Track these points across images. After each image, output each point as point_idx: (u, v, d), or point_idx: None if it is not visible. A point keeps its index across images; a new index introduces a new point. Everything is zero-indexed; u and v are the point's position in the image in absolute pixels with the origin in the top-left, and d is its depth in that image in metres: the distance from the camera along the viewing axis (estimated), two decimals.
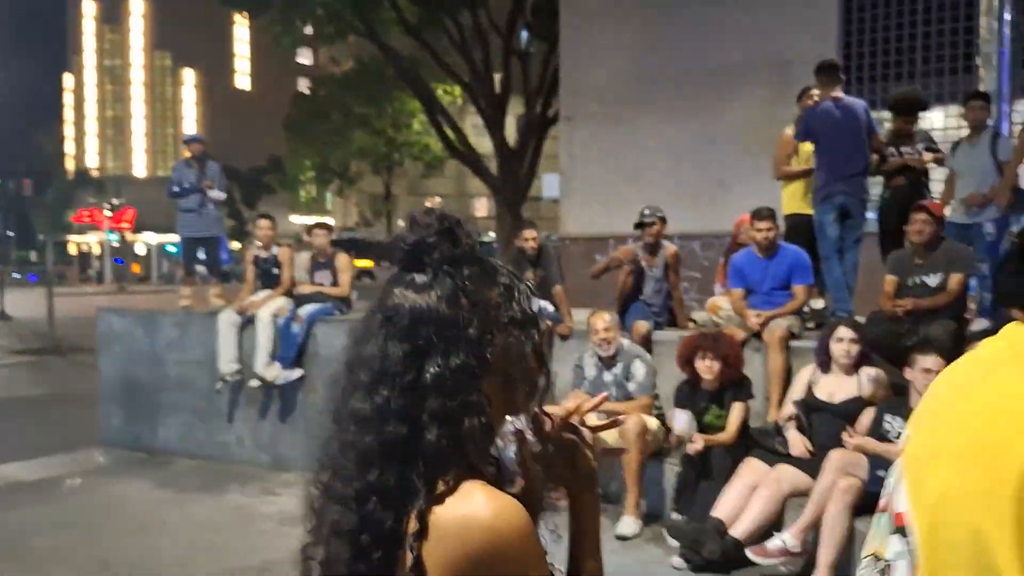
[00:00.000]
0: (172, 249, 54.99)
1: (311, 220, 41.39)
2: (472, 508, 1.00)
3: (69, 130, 77.58)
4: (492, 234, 27.60)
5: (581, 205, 10.65)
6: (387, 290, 1.12)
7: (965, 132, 6.56)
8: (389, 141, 39.19)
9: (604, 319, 5.41)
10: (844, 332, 4.73)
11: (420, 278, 1.10)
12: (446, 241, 1.11)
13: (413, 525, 1.01)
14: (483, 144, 21.11)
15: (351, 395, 1.09)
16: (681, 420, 5.06)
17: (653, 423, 5.21)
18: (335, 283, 7.48)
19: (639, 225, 6.42)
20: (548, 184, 15.68)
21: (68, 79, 78.55)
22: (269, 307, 7.23)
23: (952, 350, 4.62)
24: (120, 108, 78.25)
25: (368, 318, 1.12)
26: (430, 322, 1.06)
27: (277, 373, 7.05)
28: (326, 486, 1.12)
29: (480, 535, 0.99)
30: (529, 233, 6.71)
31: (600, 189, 10.29)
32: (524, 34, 20.20)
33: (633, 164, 9.92)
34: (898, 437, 4.35)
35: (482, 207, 55.40)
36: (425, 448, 1.03)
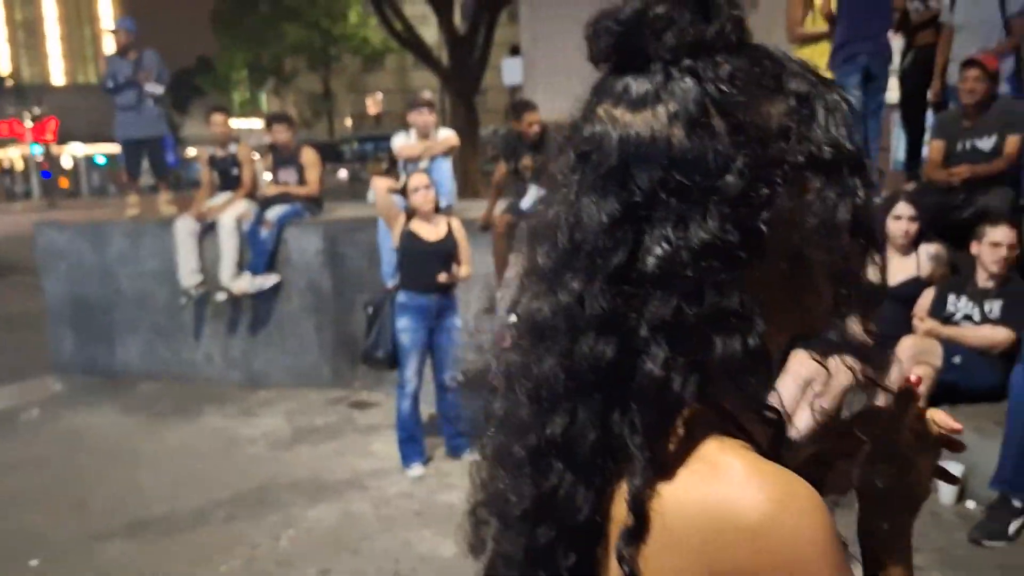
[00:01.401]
0: (101, 160, 52.74)
1: (245, 124, 39.91)
2: (728, 493, 0.57)
3: None
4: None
5: (546, 90, 9.94)
6: (588, 108, 0.66)
7: None
8: (324, 34, 37.47)
9: None
10: (903, 209, 4.23)
11: (640, 85, 0.64)
12: (688, 13, 0.63)
13: (622, 513, 0.60)
14: (426, 35, 20.00)
15: (525, 287, 0.68)
16: None
17: None
18: (302, 181, 6.76)
19: None
20: (508, 69, 14.61)
21: None
22: (231, 211, 6.55)
23: (1012, 221, 4.22)
24: (30, 10, 73.48)
25: (556, 156, 0.68)
26: (655, 162, 0.61)
27: (248, 283, 6.39)
28: (498, 421, 0.70)
29: (744, 542, 0.56)
30: (531, 116, 5.93)
31: (567, 71, 9.52)
32: None
33: None
34: (964, 319, 3.95)
35: None
36: (644, 384, 0.60)
